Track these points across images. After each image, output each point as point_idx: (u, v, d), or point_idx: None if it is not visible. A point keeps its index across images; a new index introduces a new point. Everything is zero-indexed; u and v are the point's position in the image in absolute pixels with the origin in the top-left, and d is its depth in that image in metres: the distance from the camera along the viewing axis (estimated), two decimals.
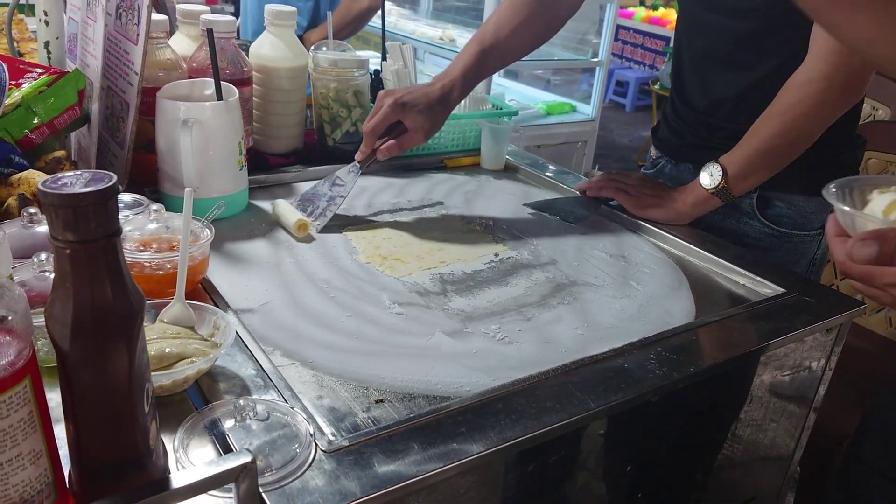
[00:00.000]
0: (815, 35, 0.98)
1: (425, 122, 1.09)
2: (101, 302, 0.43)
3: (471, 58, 1.15)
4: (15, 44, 1.81)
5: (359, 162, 1.10)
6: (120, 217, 0.82)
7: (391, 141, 1.09)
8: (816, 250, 1.19)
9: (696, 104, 1.20)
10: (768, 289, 0.95)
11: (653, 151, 1.37)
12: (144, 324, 0.67)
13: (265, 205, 1.10)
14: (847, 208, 0.64)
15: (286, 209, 1.04)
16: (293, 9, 1.20)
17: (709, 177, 1.08)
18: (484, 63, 1.16)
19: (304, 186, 1.19)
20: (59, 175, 0.42)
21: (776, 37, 1.06)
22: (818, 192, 1.14)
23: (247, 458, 0.45)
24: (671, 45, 5.95)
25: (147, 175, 1.03)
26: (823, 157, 1.11)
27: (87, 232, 0.42)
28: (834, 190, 0.67)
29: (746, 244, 1.12)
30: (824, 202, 1.16)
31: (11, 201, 0.83)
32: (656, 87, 4.83)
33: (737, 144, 1.06)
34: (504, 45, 1.17)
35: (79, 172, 0.43)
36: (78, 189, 0.41)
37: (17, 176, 0.85)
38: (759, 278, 0.97)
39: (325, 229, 1.03)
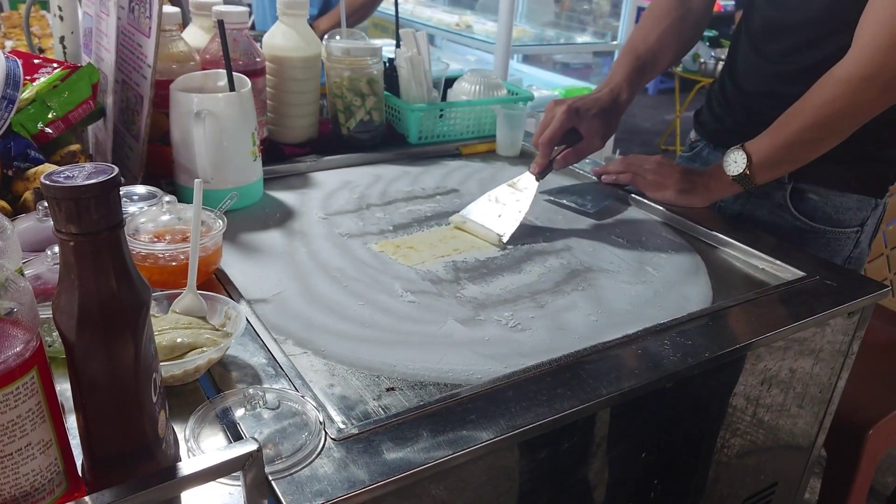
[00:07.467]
0: (859, 31, 0.94)
1: (601, 126, 1.10)
2: (106, 293, 0.44)
3: (629, 65, 1.17)
4: (36, 39, 1.83)
5: (535, 175, 1.08)
6: (133, 209, 0.84)
7: (568, 149, 1.09)
8: (853, 249, 1.16)
9: (745, 86, 1.17)
10: (788, 273, 0.93)
11: (692, 134, 1.34)
12: (157, 314, 0.68)
13: (280, 195, 1.10)
14: None
15: (474, 227, 1.01)
16: None
17: (733, 163, 1.05)
18: (642, 69, 1.18)
19: (320, 176, 1.19)
20: (63, 168, 0.43)
21: (830, 26, 1.03)
22: (857, 188, 1.11)
23: (253, 447, 0.46)
24: None
25: (163, 167, 1.04)
26: (866, 153, 1.08)
27: (90, 224, 0.42)
28: None
29: (777, 236, 1.09)
30: (863, 199, 1.13)
31: (28, 195, 0.84)
32: (679, 69, 4.75)
33: (765, 132, 1.03)
34: (655, 52, 1.20)
35: (82, 165, 0.43)
36: (80, 181, 0.41)
37: (33, 170, 0.86)
38: (778, 262, 0.95)
39: (338, 219, 1.03)
